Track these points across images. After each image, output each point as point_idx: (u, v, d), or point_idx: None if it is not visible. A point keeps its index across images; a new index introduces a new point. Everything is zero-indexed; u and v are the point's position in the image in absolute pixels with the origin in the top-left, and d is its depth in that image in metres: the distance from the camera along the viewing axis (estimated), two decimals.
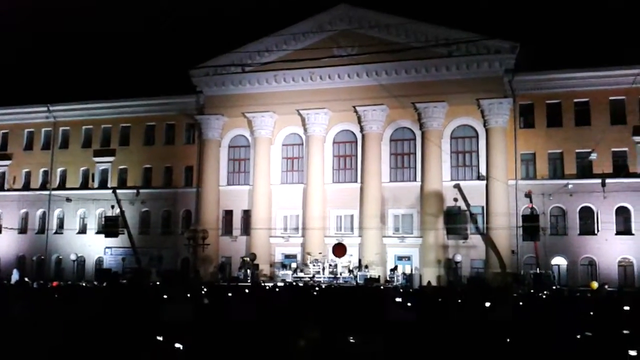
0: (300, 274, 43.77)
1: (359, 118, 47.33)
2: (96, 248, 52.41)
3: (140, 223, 51.89)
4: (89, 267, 52.61)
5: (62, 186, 55.31)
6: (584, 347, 11.33)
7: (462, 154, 46.37)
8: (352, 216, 47.46)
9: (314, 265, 43.96)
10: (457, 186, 44.80)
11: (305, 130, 48.73)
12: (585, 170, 43.29)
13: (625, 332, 11.70)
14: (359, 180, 47.33)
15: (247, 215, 49.76)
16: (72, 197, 52.98)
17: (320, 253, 45.15)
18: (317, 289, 28.06)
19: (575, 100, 44.17)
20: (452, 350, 10.90)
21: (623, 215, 42.46)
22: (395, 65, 45.96)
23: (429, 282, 41.16)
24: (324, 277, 42.56)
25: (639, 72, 40.34)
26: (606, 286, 36.18)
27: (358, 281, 41.31)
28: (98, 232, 52.09)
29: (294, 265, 46.01)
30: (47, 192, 54.98)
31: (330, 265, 43.82)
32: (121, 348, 10.32)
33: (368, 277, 41.86)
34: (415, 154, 46.94)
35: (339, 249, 43.93)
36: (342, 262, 43.82)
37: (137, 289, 29.66)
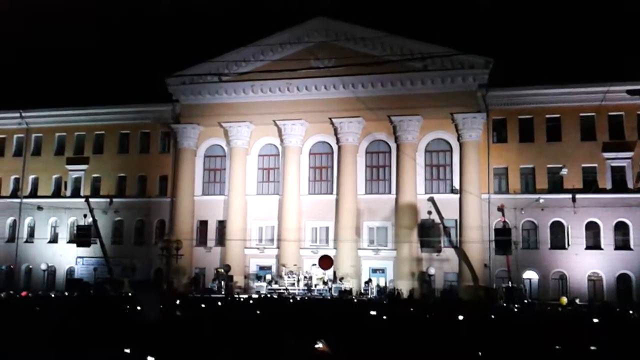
0: (275, 286, 43.60)
1: (335, 130, 47.58)
2: (68, 258, 51.58)
3: (113, 233, 51.28)
4: (60, 277, 51.71)
5: (33, 194, 54.43)
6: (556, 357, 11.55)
7: (436, 168, 46.88)
8: (327, 228, 47.53)
9: (288, 277, 43.87)
10: (431, 199, 45.23)
11: (281, 141, 48.80)
12: (556, 185, 44.11)
13: (593, 346, 11.95)
14: (334, 192, 47.48)
15: (222, 225, 49.51)
16: (44, 206, 52.13)
17: (295, 265, 45.09)
18: (291, 301, 28.02)
19: (547, 116, 45.05)
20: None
21: (593, 230, 43.28)
22: (372, 78, 46.40)
23: (398, 292, 41.46)
24: (299, 289, 42.48)
25: (609, 89, 41.41)
26: (577, 300, 36.82)
27: (333, 294, 41.32)
28: (70, 242, 51.38)
29: (268, 277, 45.81)
30: (17, 200, 54.04)
31: (305, 277, 43.76)
32: None
33: (342, 289, 41.90)
34: (390, 166, 47.31)
35: (325, 261, 43.83)
36: (317, 274, 43.78)
37: (106, 299, 29.30)
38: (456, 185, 45.30)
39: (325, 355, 9.38)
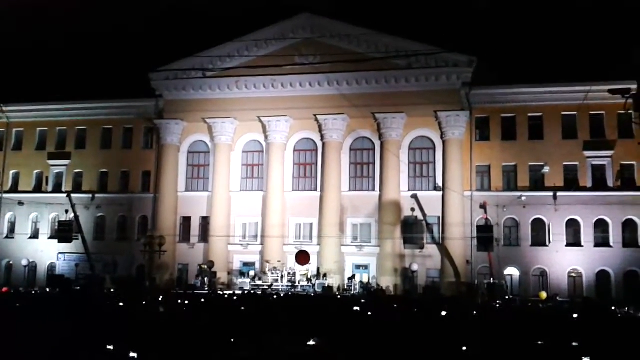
0: (259, 282, 43.60)
1: (319, 127, 47.63)
2: (49, 254, 51.08)
3: (95, 228, 50.89)
4: (41, 273, 51.21)
5: (14, 189, 53.78)
6: (537, 356, 11.74)
7: (419, 165, 47.14)
8: (311, 224, 47.59)
9: (272, 274, 43.89)
10: (415, 196, 45.49)
11: (265, 137, 48.74)
12: (538, 183, 44.61)
13: (574, 341, 12.16)
14: (318, 188, 47.54)
15: (205, 222, 49.35)
16: (25, 201, 51.48)
17: (279, 261, 45.13)
18: (274, 297, 28.08)
19: (529, 114, 45.51)
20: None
21: (573, 227, 43.86)
22: (356, 75, 46.50)
23: (379, 288, 41.77)
24: (283, 286, 42.55)
25: (590, 89, 41.94)
26: (558, 297, 37.43)
27: (316, 290, 41.44)
28: (51, 237, 50.85)
29: (252, 273, 45.78)
30: None
31: (288, 273, 43.83)
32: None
33: (326, 285, 42.04)
34: (374, 163, 47.48)
35: (302, 257, 43.97)
36: (300, 270, 43.87)
37: (89, 295, 29.13)
38: (439, 182, 45.61)
39: (321, 353, 9.45)
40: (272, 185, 47.82)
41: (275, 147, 48.25)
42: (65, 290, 35.86)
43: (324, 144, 47.66)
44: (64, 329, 12.84)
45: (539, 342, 12.35)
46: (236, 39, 48.79)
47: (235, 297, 29.03)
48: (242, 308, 20.05)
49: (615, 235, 43.00)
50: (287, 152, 48.72)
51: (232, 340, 11.39)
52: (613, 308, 23.27)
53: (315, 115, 47.30)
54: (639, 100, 26.35)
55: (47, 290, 38.75)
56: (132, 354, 9.83)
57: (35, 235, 52.78)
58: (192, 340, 11.86)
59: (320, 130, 47.67)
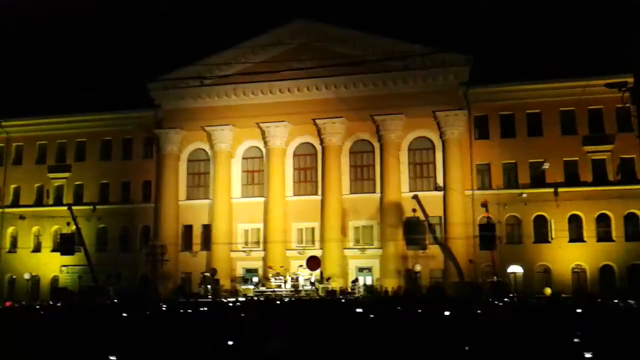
0: (262, 288, 43.52)
1: (318, 131, 47.65)
2: (51, 267, 51.06)
3: (97, 240, 50.84)
4: (44, 286, 51.19)
5: (15, 203, 53.82)
6: (542, 350, 11.71)
7: (419, 165, 47.12)
8: (313, 229, 47.56)
9: (275, 279, 43.80)
10: (416, 197, 45.40)
11: (265, 143, 48.76)
12: (538, 179, 44.53)
13: (577, 337, 12.13)
14: (319, 192, 47.52)
15: (207, 230, 49.32)
16: (26, 215, 51.52)
17: (282, 267, 45.04)
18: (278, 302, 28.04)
19: (528, 111, 45.50)
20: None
21: (575, 223, 43.79)
22: (354, 78, 46.55)
23: (385, 290, 41.72)
24: (286, 291, 42.44)
25: (587, 84, 41.88)
26: (562, 294, 37.35)
27: (320, 294, 41.36)
28: (53, 250, 50.82)
29: (255, 279, 45.69)
30: None
31: (292, 278, 43.74)
32: None
33: (329, 289, 41.96)
34: (374, 165, 47.46)
35: (313, 262, 43.84)
36: (303, 274, 43.80)
37: (91, 307, 29.13)
38: (440, 182, 45.56)
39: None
40: (273, 191, 47.81)
41: (275, 153, 48.27)
42: (67, 303, 35.81)
43: (323, 148, 47.67)
44: (66, 340, 12.84)
45: (541, 340, 12.32)
46: (232, 46, 48.93)
47: (238, 304, 29.01)
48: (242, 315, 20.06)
49: (617, 229, 42.91)
50: (286, 157, 48.73)
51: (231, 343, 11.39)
52: (616, 301, 23.21)
53: (313, 119, 47.31)
54: (636, 93, 26.28)
55: (50, 303, 38.67)
56: (112, 357, 9.84)
57: (37, 248, 52.78)
58: (192, 348, 11.85)
59: (319, 134, 47.69)
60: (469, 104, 45.86)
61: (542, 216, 44.04)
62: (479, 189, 45.37)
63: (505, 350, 11.91)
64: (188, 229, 49.97)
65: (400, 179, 46.10)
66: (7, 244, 53.62)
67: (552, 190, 42.83)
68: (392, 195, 45.69)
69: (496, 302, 28.47)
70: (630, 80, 16.81)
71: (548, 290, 38.96)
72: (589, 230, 43.21)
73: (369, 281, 45.23)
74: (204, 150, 50.60)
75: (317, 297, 39.40)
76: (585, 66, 43.75)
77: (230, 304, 29.75)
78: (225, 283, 46.06)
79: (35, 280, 51.39)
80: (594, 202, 42.93)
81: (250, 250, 48.14)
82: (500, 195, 44.22)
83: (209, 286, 43.99)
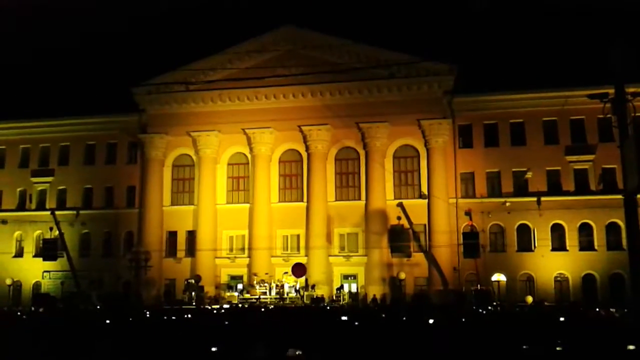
0: (247, 295, 43.39)
1: (304, 137, 47.72)
2: (34, 272, 50.49)
3: (80, 245, 50.35)
4: (26, 292, 50.59)
5: None
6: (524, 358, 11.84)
7: (404, 173, 47.35)
8: (298, 236, 47.55)
9: (260, 286, 43.68)
10: (401, 205, 45.63)
11: (250, 149, 48.72)
12: (521, 188, 44.97)
13: (558, 345, 12.28)
14: (304, 199, 47.55)
15: (191, 236, 49.10)
16: (8, 219, 50.93)
17: (266, 273, 44.93)
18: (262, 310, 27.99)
19: (511, 121, 45.96)
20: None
21: (558, 232, 44.24)
22: (339, 86, 46.74)
23: (366, 295, 41.82)
24: (271, 298, 42.33)
25: (570, 94, 42.43)
26: (545, 303, 37.68)
27: (305, 301, 41.30)
28: (36, 256, 50.33)
29: (240, 286, 45.54)
30: None
31: (277, 285, 43.64)
32: None
33: (314, 296, 41.93)
34: (359, 173, 47.62)
35: (298, 269, 43.77)
36: (288, 282, 43.73)
37: (74, 313, 28.86)
38: (424, 190, 45.84)
39: None
40: (258, 197, 47.75)
41: (260, 159, 48.24)
42: (49, 309, 35.43)
43: (308, 155, 47.74)
44: (49, 347, 12.76)
45: (524, 347, 12.45)
46: (218, 52, 48.91)
47: (222, 311, 28.90)
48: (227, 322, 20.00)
49: (599, 238, 43.41)
50: (272, 163, 48.72)
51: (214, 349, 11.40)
52: (597, 310, 23.51)
53: (299, 126, 47.39)
54: (617, 104, 26.68)
55: (32, 309, 38.22)
56: None
57: (19, 253, 52.17)
58: (176, 353, 11.83)
59: (305, 141, 47.77)
60: (453, 113, 46.22)
61: (526, 225, 44.44)
62: (463, 197, 45.69)
63: (488, 357, 12.02)
64: (172, 234, 49.73)
65: (385, 186, 46.28)
66: None
67: (535, 199, 43.27)
68: (377, 202, 45.86)
69: (480, 310, 28.65)
70: (612, 91, 17.11)
71: (530, 299, 39.33)
72: (571, 239, 43.67)
73: (354, 288, 45.26)
74: (189, 155, 50.42)
75: (302, 305, 39.33)
76: (567, 77, 44.41)
77: (215, 311, 29.63)
78: (210, 290, 45.84)
79: (17, 285, 50.81)
80: (576, 212, 43.40)
81: (235, 257, 48.00)
82: (484, 203, 44.57)
83: (193, 293, 43.75)
